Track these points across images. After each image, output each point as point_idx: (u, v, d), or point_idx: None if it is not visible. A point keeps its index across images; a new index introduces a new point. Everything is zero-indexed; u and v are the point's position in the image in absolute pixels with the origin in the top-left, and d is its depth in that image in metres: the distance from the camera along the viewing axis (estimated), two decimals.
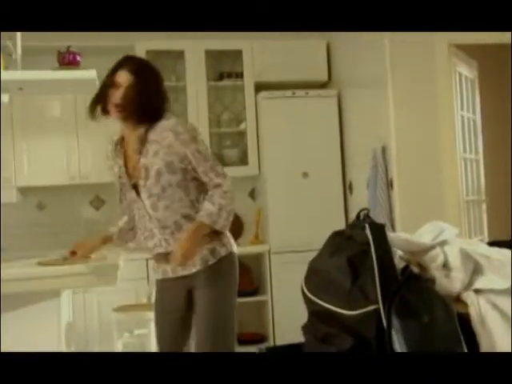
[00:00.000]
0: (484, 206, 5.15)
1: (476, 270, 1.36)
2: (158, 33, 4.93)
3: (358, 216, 1.44)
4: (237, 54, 5.19)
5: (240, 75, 5.19)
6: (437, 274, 1.37)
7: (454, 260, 1.37)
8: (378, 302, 1.29)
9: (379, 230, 1.38)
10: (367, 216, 1.41)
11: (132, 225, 2.67)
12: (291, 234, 5.02)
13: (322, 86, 5.47)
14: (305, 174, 5.11)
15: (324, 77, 5.36)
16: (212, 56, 5.19)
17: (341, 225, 5.12)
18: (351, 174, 5.14)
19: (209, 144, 5.13)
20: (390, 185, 4.40)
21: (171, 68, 5.18)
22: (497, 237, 5.59)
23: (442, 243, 1.42)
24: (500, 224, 5.86)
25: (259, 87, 5.18)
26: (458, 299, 1.36)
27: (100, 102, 2.53)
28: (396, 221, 4.33)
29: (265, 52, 5.18)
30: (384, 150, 4.43)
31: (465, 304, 1.34)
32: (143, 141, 2.48)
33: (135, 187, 2.53)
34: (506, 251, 1.40)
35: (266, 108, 5.12)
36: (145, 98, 2.47)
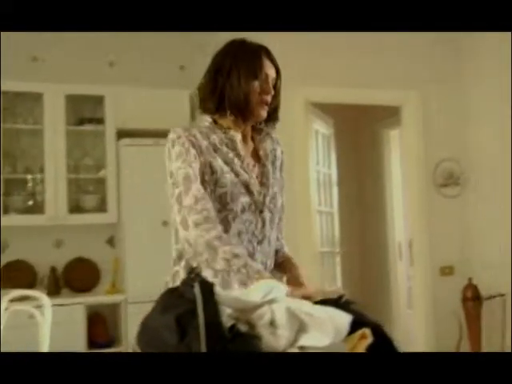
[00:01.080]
0: (338, 258, 5.34)
1: (301, 328, 1.40)
2: (14, 73, 4.87)
3: (189, 273, 1.44)
4: (98, 100, 5.13)
5: (101, 121, 5.13)
6: (263, 331, 1.39)
7: (281, 318, 1.39)
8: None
9: (208, 289, 1.39)
10: (198, 274, 1.41)
11: None
12: (149, 283, 4.88)
13: None
14: (165, 223, 5.08)
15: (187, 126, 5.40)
16: (73, 100, 5.09)
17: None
18: None
19: (66, 190, 5.00)
20: None
21: (28, 110, 5.04)
22: (350, 287, 5.81)
23: (271, 301, 1.44)
24: (353, 275, 6.09)
25: (121, 134, 5.13)
26: None
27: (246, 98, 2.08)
28: None
29: (127, 99, 5.14)
30: None
31: None
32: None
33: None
34: (329, 309, 1.45)
35: (127, 155, 5.07)
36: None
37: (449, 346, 4.53)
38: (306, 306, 1.43)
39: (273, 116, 2.19)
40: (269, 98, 2.11)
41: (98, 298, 4.98)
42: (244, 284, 1.86)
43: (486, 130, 4.84)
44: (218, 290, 1.44)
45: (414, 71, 4.92)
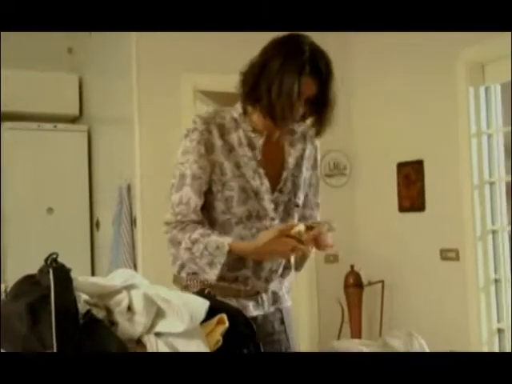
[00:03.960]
0: None
1: (158, 314, 1.40)
2: None
3: (46, 260, 1.41)
4: None
5: None
6: (120, 317, 1.38)
7: (138, 304, 1.39)
8: (53, 348, 1.27)
9: (63, 274, 1.37)
10: (54, 260, 1.39)
11: None
12: (33, 271, 4.80)
13: (73, 120, 5.38)
14: (50, 210, 4.95)
15: (75, 111, 5.27)
16: None
17: (86, 261, 5.04)
18: (98, 211, 5.08)
19: None
20: (133, 222, 4.42)
21: None
22: None
23: (129, 287, 1.44)
24: None
25: (4, 117, 4.94)
26: (138, 342, 1.39)
27: None
28: (138, 258, 4.36)
29: (12, 81, 4.96)
30: (129, 187, 4.45)
31: (145, 346, 1.37)
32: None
33: None
34: (186, 295, 1.47)
35: (9, 139, 4.89)
36: None
37: (332, 331, 4.67)
38: (163, 292, 1.43)
39: (317, 127, 2.15)
40: (301, 110, 2.04)
41: None
42: (212, 264, 1.95)
43: (370, 120, 5.00)
44: (75, 276, 1.43)
45: None
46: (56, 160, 4.99)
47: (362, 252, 4.97)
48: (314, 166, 2.29)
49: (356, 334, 4.63)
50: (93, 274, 4.94)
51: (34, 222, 4.89)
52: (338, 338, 4.62)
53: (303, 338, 4.97)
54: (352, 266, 4.75)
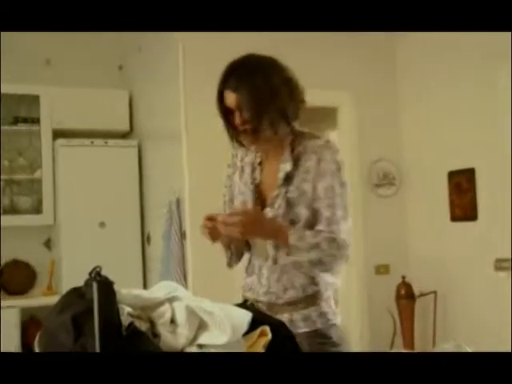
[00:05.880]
0: None
1: (200, 326, 1.41)
2: None
3: (90, 273, 1.44)
4: (34, 99, 5.05)
5: (37, 121, 5.05)
6: (162, 329, 1.39)
7: (180, 316, 1.40)
8: None
9: (106, 287, 1.39)
10: (98, 273, 1.41)
11: None
12: None
13: (124, 136, 5.47)
14: (102, 224, 5.04)
15: (125, 127, 5.36)
16: (7, 100, 4.99)
17: (138, 275, 5.10)
18: (149, 226, 5.14)
19: (1, 191, 4.92)
20: (183, 236, 4.46)
21: None
22: None
23: (172, 299, 1.45)
24: None
25: (57, 134, 5.06)
26: None
27: None
28: (189, 272, 4.39)
29: (64, 99, 5.08)
30: (178, 201, 4.50)
31: None
32: None
33: None
34: (228, 306, 1.47)
35: (63, 156, 5.00)
36: None
37: (383, 343, 4.61)
38: (206, 304, 1.44)
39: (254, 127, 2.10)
40: (242, 127, 2.09)
41: (34, 300, 4.90)
42: None
43: (420, 129, 4.94)
44: (118, 288, 1.45)
45: (348, 72, 4.98)
46: (108, 175, 5.08)
47: (413, 262, 4.90)
48: (319, 178, 2.11)
49: (408, 345, 4.56)
50: (144, 287, 4.99)
51: (87, 236, 4.97)
52: (390, 349, 4.56)
53: (355, 350, 4.92)
54: (403, 277, 4.69)
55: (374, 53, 5.07)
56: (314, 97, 5.11)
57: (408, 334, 4.60)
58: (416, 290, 4.65)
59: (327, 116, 5.41)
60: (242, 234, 2.00)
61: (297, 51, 4.57)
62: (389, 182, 5.07)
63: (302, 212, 2.11)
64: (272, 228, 2.06)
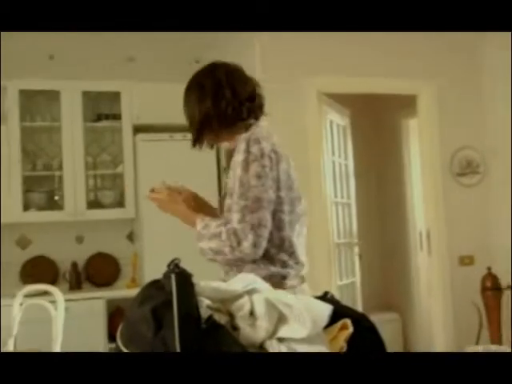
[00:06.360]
0: (356, 249, 5.30)
1: (280, 319, 1.39)
2: (32, 72, 4.92)
3: (168, 265, 1.44)
4: (115, 96, 5.16)
5: (118, 117, 5.16)
6: (242, 322, 1.38)
7: (260, 309, 1.39)
8: None
9: (184, 280, 1.39)
10: (176, 265, 1.42)
11: None
12: None
13: None
14: None
15: None
16: (89, 97, 5.13)
17: (218, 268, 5.14)
18: None
19: (85, 186, 5.05)
20: None
21: (46, 108, 5.10)
22: (370, 277, 5.77)
23: (251, 292, 1.44)
24: (373, 265, 6.05)
25: (137, 129, 5.16)
26: (261, 347, 1.38)
27: None
28: None
29: (143, 94, 5.17)
30: None
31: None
32: None
33: None
34: (308, 299, 1.44)
35: (143, 150, 5.10)
36: None
37: (469, 337, 4.48)
38: (285, 297, 1.42)
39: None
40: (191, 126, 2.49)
41: (119, 292, 5.02)
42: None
43: (503, 117, 4.76)
44: (197, 280, 1.45)
45: (430, 60, 4.85)
46: (187, 169, 5.13)
47: (498, 253, 4.73)
48: (232, 170, 2.21)
49: (495, 339, 4.41)
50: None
51: (169, 229, 5.03)
52: (477, 343, 4.42)
53: (439, 343, 4.81)
54: (489, 268, 4.54)
55: (457, 39, 4.92)
56: (392, 85, 5.04)
57: (494, 327, 4.45)
58: (503, 282, 4.49)
59: (407, 104, 5.30)
60: (160, 209, 2.38)
61: (377, 38, 4.49)
62: (472, 170, 4.91)
63: (228, 202, 2.20)
64: (184, 212, 2.36)
